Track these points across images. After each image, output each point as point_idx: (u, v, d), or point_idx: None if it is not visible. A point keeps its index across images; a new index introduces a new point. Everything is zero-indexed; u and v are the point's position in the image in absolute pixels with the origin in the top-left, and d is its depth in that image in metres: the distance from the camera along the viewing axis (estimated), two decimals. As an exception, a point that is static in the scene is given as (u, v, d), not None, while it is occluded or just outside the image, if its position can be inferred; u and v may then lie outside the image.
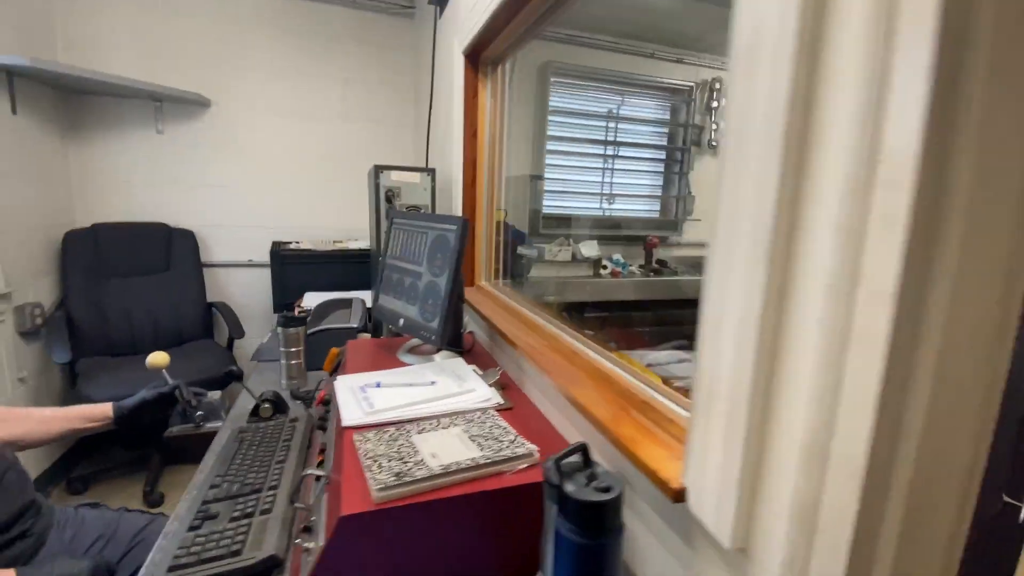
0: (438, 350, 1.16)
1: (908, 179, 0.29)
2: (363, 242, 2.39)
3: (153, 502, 1.88)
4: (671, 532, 0.55)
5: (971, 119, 0.28)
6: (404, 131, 2.62)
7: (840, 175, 0.33)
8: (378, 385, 0.95)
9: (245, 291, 2.48)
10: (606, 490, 0.49)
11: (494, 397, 0.90)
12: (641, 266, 2.96)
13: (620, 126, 2.97)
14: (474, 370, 1.03)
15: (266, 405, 1.13)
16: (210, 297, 2.35)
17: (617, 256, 2.80)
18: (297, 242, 2.37)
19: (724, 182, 0.44)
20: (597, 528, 0.48)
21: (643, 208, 3.18)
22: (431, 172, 1.53)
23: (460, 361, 1.08)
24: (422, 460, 0.68)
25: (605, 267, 2.65)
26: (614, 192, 3.02)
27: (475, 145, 1.50)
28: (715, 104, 3.05)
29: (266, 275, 2.52)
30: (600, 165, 2.97)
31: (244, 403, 1.21)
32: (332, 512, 0.62)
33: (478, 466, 0.68)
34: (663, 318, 2.69)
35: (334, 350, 1.26)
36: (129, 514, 1.00)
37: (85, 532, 0.91)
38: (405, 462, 0.68)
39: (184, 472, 2.12)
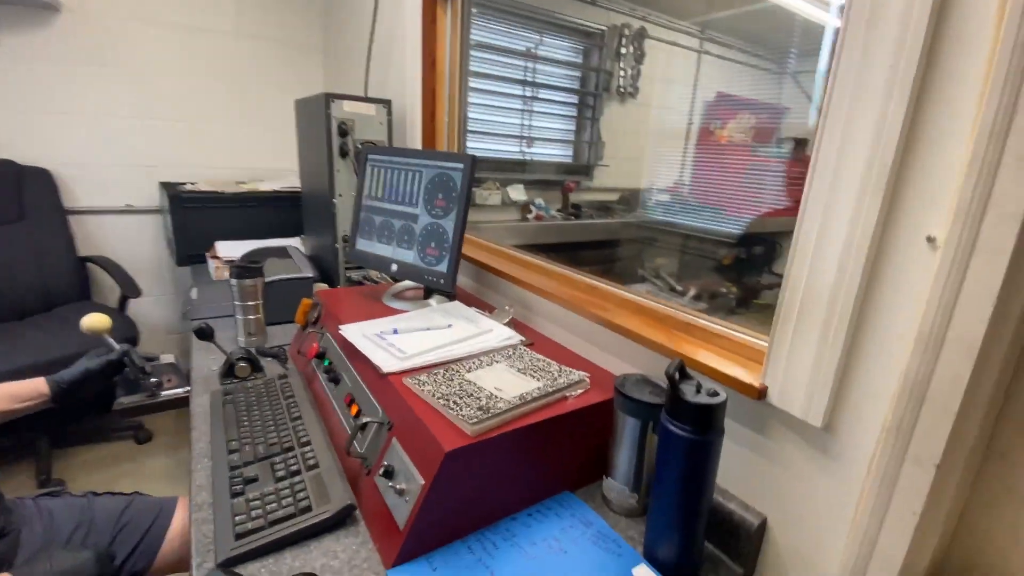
0: (428, 295, 1.13)
1: (1048, 124, 0.37)
2: (277, 183, 2.13)
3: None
4: (743, 428, 0.65)
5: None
6: (313, 54, 2.32)
7: (978, 119, 0.41)
8: (395, 331, 0.92)
9: (127, 242, 2.09)
10: (715, 395, 0.56)
11: (514, 335, 0.93)
12: (559, 210, 3.08)
13: (538, 67, 2.95)
14: (477, 312, 1.04)
15: (243, 364, 1.02)
16: (83, 251, 1.95)
17: (539, 200, 2.87)
18: (192, 183, 2.04)
19: (833, 117, 0.51)
20: (709, 427, 0.56)
21: (558, 153, 3.27)
22: (387, 104, 1.40)
23: (458, 304, 1.08)
24: (492, 394, 0.70)
25: (531, 211, 2.71)
26: (532, 136, 3.04)
27: (434, 76, 1.41)
28: (624, 51, 3.17)
29: (152, 222, 2.15)
30: (520, 107, 2.95)
31: (205, 364, 1.08)
32: (426, 451, 0.62)
33: (546, 394, 0.72)
34: (585, 258, 2.87)
35: (306, 301, 1.16)
36: (99, 498, 0.87)
37: (57, 524, 0.77)
38: (478, 398, 0.69)
39: (79, 454, 1.82)
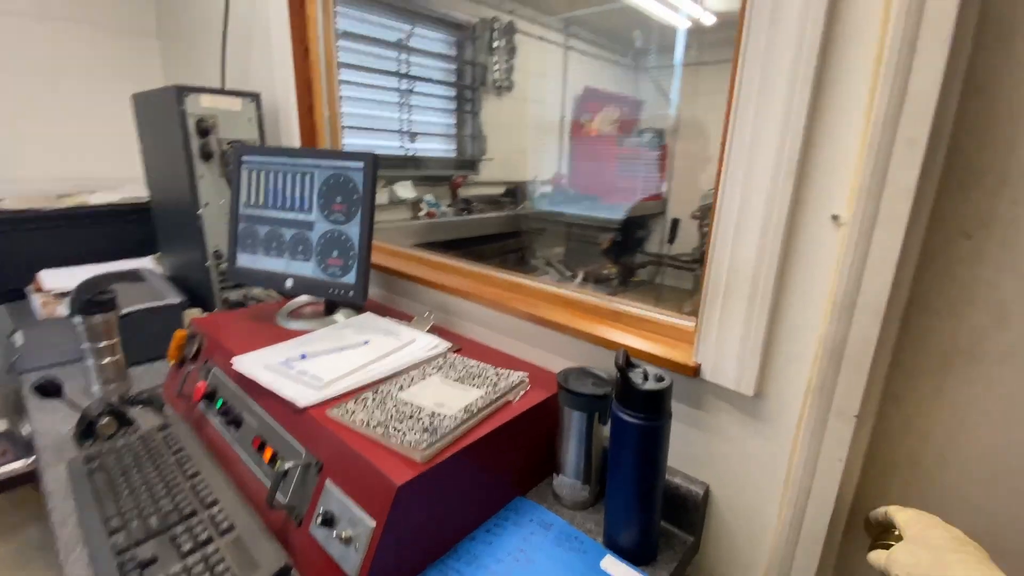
0: (329, 311, 1.03)
1: (930, 112, 0.43)
2: (114, 194, 1.78)
3: None
4: (681, 405, 0.68)
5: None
6: (146, 40, 1.97)
7: (871, 108, 0.46)
8: (303, 357, 0.81)
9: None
10: (661, 380, 0.58)
11: (440, 342, 0.88)
12: (448, 206, 3.02)
13: (412, 59, 2.84)
14: (394, 322, 0.97)
15: (106, 419, 0.84)
16: None
17: (429, 197, 2.79)
18: (-5, 200, 1.62)
19: (742, 111, 0.54)
20: (659, 412, 0.58)
21: (441, 148, 3.19)
22: (255, 98, 1.23)
23: (370, 316, 0.99)
24: (435, 412, 0.65)
25: (421, 209, 2.62)
26: (414, 130, 2.93)
27: (308, 66, 1.28)
28: (496, 44, 3.19)
29: (-65, 254, 1.67)
30: (397, 100, 2.82)
31: (52, 426, 0.87)
32: (371, 489, 0.56)
33: (490, 402, 0.69)
34: (480, 252, 2.86)
35: (180, 333, 0.99)
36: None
37: None
38: (419, 419, 0.64)
39: None
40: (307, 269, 0.95)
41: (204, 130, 1.14)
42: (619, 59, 4.03)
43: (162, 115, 1.18)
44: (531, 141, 3.61)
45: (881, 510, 0.49)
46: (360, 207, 0.89)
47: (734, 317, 0.59)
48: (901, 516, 0.46)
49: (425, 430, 0.61)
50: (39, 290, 1.40)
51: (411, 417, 0.64)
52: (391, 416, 0.65)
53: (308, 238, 0.94)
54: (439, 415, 0.65)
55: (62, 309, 1.29)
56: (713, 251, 0.60)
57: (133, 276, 1.41)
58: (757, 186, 0.54)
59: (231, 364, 0.80)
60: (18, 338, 1.14)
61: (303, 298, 1.11)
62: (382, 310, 1.07)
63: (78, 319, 0.94)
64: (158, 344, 1.13)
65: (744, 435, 0.63)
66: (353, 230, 0.90)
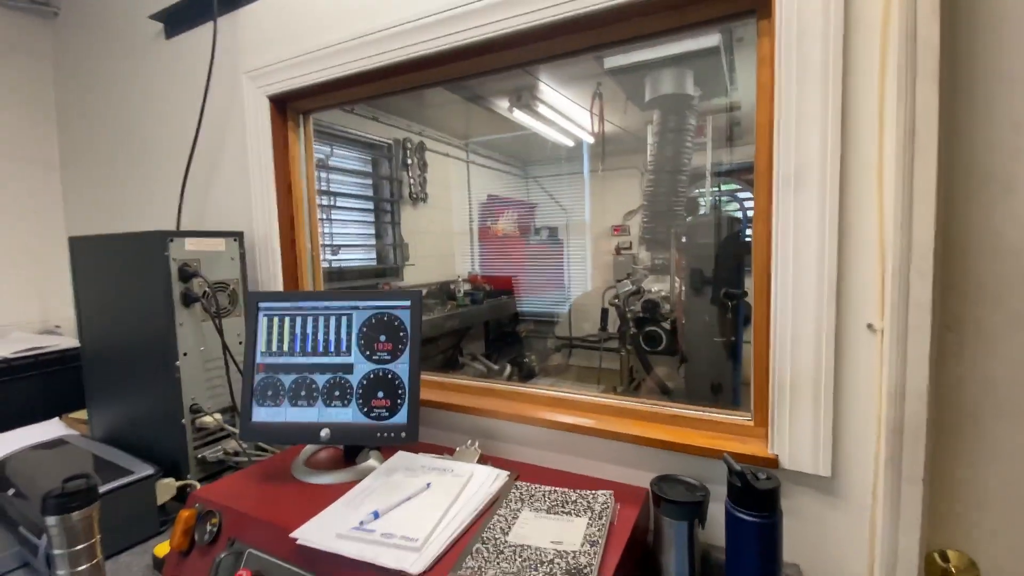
0: (350, 454, 0.96)
1: (930, 255, 0.62)
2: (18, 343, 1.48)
3: None
4: (762, 494, 0.76)
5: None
6: (50, 174, 1.78)
7: (883, 249, 0.64)
8: (376, 515, 0.76)
9: None
10: (769, 478, 0.67)
11: (498, 472, 0.88)
12: (377, 315, 2.95)
13: (332, 177, 2.89)
14: (435, 458, 0.94)
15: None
16: None
17: (360, 309, 2.71)
18: None
19: (782, 255, 0.70)
20: (774, 508, 0.65)
21: (361, 257, 3.18)
22: (238, 236, 1.17)
23: (405, 455, 0.95)
24: (561, 552, 0.66)
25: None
26: (336, 243, 2.90)
27: (291, 202, 1.28)
28: (409, 161, 3.38)
29: None
30: (320, 216, 2.80)
31: None
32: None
33: (601, 529, 0.71)
34: (427, 353, 2.80)
35: (186, 513, 0.84)
36: None
37: None
38: (551, 562, 0.64)
39: None
40: (346, 415, 0.90)
41: (187, 274, 1.06)
42: (511, 170, 4.53)
43: (137, 261, 1.07)
44: (450, 245, 3.78)
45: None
46: (408, 344, 0.89)
47: (803, 412, 0.72)
48: None
49: (568, 572, 0.61)
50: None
51: (541, 562, 0.64)
52: (521, 567, 0.63)
53: (347, 382, 0.90)
54: (565, 553, 0.65)
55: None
56: (773, 361, 0.73)
57: (56, 445, 1.16)
58: (803, 307, 0.70)
59: (292, 539, 0.71)
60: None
61: (309, 448, 1.02)
62: (417, 445, 1.02)
63: (52, 521, 0.76)
64: (125, 531, 0.94)
65: (824, 512, 0.73)
66: (401, 367, 0.89)
